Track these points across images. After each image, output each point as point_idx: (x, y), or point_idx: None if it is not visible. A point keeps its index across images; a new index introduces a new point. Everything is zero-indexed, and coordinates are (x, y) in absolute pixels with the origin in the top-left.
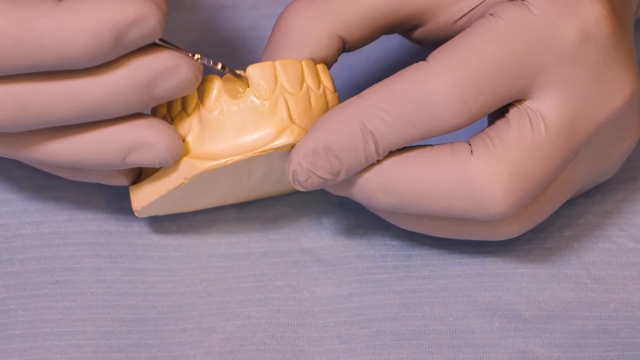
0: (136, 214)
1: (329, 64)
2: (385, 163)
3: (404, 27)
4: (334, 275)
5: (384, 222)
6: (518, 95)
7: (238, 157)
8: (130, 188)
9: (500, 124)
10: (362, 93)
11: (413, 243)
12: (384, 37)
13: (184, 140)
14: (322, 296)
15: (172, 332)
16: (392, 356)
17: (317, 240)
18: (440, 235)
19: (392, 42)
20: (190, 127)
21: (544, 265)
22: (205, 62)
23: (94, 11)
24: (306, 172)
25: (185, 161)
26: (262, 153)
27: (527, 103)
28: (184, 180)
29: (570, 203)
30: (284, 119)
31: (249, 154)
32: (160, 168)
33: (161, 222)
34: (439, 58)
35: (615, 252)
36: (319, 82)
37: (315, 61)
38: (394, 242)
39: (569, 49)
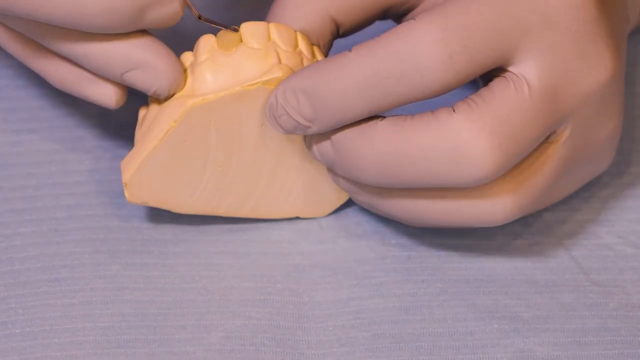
0: (126, 195)
1: (324, 47)
2: (364, 125)
3: (397, 11)
4: (334, 280)
5: (383, 224)
6: (502, 60)
7: (227, 91)
8: (122, 162)
9: (483, 89)
10: (353, 47)
11: (413, 243)
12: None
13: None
14: (322, 301)
15: (172, 328)
16: (391, 358)
17: (316, 244)
18: (430, 220)
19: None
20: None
21: (542, 272)
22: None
23: None
24: (280, 109)
25: (173, 102)
26: (250, 87)
27: (510, 69)
28: (172, 123)
29: (568, 209)
30: (274, 64)
31: (238, 88)
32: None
33: (161, 218)
34: (426, 14)
35: (614, 258)
36: (312, 53)
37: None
38: (393, 242)
39: (553, 13)
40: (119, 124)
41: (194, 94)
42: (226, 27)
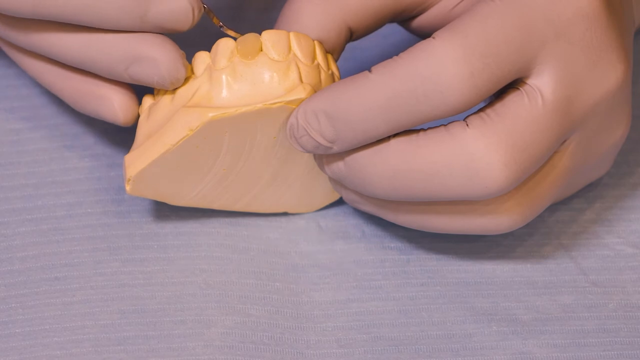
0: (127, 188)
1: (336, 54)
2: (381, 144)
3: (407, 14)
4: (333, 280)
5: (382, 226)
6: (520, 72)
7: (249, 107)
8: (126, 157)
9: (496, 102)
10: (372, 67)
11: (412, 246)
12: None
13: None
14: (321, 301)
15: (172, 324)
16: None
17: (315, 244)
18: (437, 229)
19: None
20: (199, 86)
21: (542, 273)
22: (207, 12)
23: None
24: (301, 130)
25: (191, 110)
26: (272, 106)
27: (525, 82)
28: (189, 132)
29: (567, 209)
30: (296, 81)
31: (260, 105)
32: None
33: (161, 211)
34: (446, 33)
35: (614, 258)
36: (328, 64)
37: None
38: (392, 245)
39: (565, 25)
40: None
41: (212, 101)
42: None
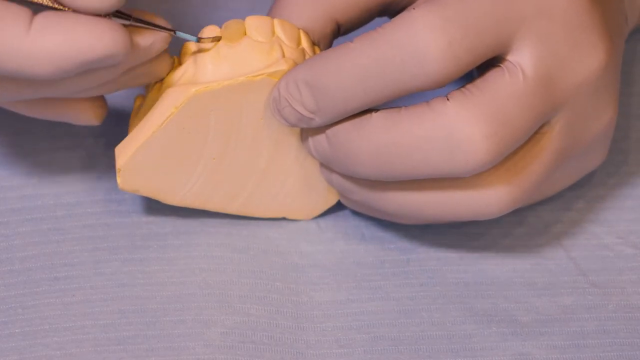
0: (118, 181)
1: (323, 46)
2: (364, 120)
3: (395, 8)
4: (332, 280)
5: (382, 227)
6: (500, 48)
7: (232, 80)
8: (115, 148)
9: (478, 79)
10: (355, 37)
11: (411, 246)
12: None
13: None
14: (321, 301)
15: (172, 323)
16: None
17: (315, 244)
18: (426, 215)
19: None
20: (185, 71)
21: (541, 274)
22: (183, 35)
23: (61, 44)
24: (283, 101)
25: (176, 89)
26: (255, 78)
27: (506, 57)
28: (173, 109)
29: (567, 209)
30: (279, 58)
31: (242, 78)
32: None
33: (161, 211)
34: (425, 4)
35: (614, 259)
36: (314, 52)
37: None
38: (392, 246)
39: (547, 3)
40: (116, 121)
41: (197, 82)
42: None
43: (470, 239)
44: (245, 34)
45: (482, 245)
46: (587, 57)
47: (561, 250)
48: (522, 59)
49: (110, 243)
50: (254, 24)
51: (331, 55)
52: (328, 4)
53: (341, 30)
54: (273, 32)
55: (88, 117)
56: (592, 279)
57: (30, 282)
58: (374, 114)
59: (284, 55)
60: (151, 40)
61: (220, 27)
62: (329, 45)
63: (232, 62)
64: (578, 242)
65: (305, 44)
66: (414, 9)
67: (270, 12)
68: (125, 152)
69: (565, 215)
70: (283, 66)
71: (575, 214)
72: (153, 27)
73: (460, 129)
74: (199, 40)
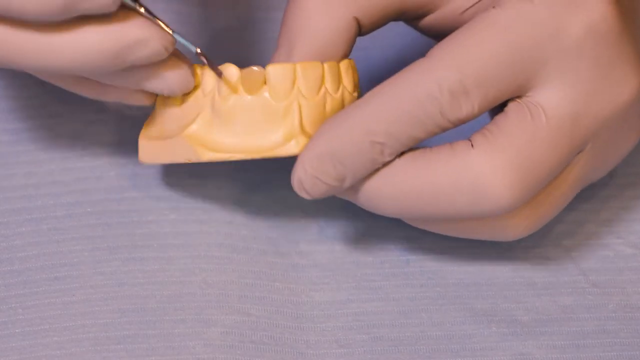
0: (141, 161)
1: (347, 48)
2: (387, 166)
3: (414, 13)
4: (332, 280)
5: (382, 227)
6: (519, 89)
7: (242, 155)
8: (140, 137)
9: (499, 117)
10: (365, 96)
11: (411, 247)
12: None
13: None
14: (321, 301)
15: (172, 323)
16: None
17: (315, 244)
18: (449, 234)
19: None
20: (202, 109)
21: (542, 274)
22: (182, 41)
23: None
24: (311, 179)
25: (192, 146)
26: (265, 157)
27: (527, 96)
28: (187, 161)
29: (568, 209)
30: (295, 126)
31: (253, 156)
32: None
33: (161, 210)
34: (441, 52)
35: (614, 259)
36: (338, 84)
37: (335, 48)
38: (392, 246)
39: (575, 43)
40: (117, 121)
41: (211, 133)
42: (214, 66)
43: (469, 240)
44: (265, 84)
45: (483, 246)
46: (618, 90)
47: (561, 250)
48: (544, 99)
49: (110, 243)
50: (275, 74)
51: (348, 120)
52: (348, 5)
53: (362, 31)
54: (294, 83)
55: (140, 97)
56: (592, 279)
57: (30, 282)
58: (397, 160)
59: (301, 118)
60: (147, 33)
61: (240, 69)
62: (352, 44)
63: (248, 121)
64: (578, 242)
65: (329, 82)
66: (427, 57)
67: (286, 20)
68: (147, 154)
69: (566, 215)
70: (295, 150)
71: (575, 213)
72: (154, 18)
73: (485, 177)
74: (197, 53)
